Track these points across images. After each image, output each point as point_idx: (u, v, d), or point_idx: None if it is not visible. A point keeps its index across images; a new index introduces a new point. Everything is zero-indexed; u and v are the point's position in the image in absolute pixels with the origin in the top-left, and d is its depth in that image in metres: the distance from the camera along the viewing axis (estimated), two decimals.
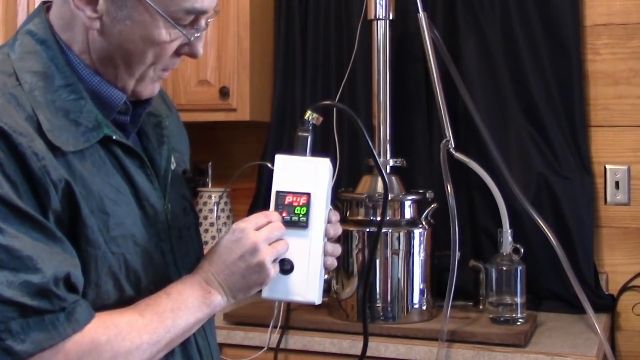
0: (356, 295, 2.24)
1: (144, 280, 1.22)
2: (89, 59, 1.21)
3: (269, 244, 1.23)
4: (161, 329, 1.17)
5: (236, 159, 2.90)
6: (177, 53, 1.23)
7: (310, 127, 1.36)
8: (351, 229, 2.24)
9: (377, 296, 2.22)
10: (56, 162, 1.11)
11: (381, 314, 2.22)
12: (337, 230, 1.35)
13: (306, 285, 1.28)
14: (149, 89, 1.26)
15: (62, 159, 1.12)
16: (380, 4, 2.37)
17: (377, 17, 2.39)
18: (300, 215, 1.28)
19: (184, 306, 1.20)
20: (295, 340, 2.19)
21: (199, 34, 1.22)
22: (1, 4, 2.67)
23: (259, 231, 1.23)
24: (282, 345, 2.18)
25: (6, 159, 1.06)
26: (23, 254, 1.05)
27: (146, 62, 1.20)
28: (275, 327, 2.21)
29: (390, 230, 2.22)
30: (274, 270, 1.24)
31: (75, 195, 1.12)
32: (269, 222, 1.25)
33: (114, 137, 1.20)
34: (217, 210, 2.73)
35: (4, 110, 1.09)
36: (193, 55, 1.25)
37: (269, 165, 1.36)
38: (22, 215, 1.06)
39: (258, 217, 1.25)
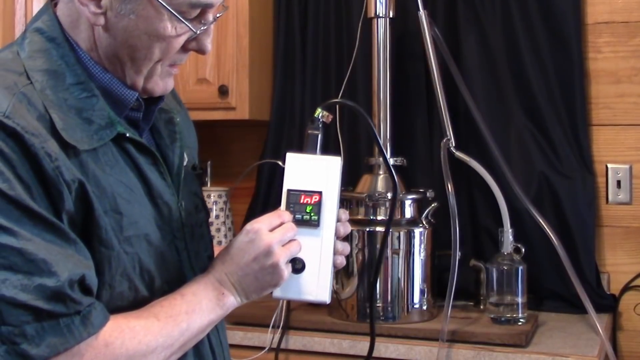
0: (356, 295, 2.23)
1: (158, 280, 1.21)
2: (97, 57, 1.19)
3: (283, 245, 1.23)
4: (176, 332, 1.16)
5: (235, 158, 2.88)
6: (185, 49, 1.22)
7: (321, 125, 1.35)
8: (351, 228, 2.22)
9: (378, 296, 2.21)
10: (69, 162, 1.09)
11: (381, 314, 2.21)
12: (347, 229, 1.35)
13: (317, 284, 1.27)
14: (161, 86, 1.24)
15: (75, 158, 1.10)
16: (380, 1, 2.36)
17: (377, 15, 2.37)
18: (312, 214, 1.27)
19: (198, 308, 1.19)
20: (295, 340, 2.18)
21: (205, 27, 1.20)
22: (0, 3, 2.64)
23: (273, 232, 1.23)
24: (282, 346, 2.17)
25: (19, 160, 1.04)
26: (37, 257, 1.03)
27: (153, 58, 1.19)
28: (275, 327, 2.19)
29: (390, 230, 2.20)
30: (287, 271, 1.24)
31: (89, 196, 1.10)
32: (281, 223, 1.24)
33: (127, 135, 1.19)
34: (215, 210, 2.72)
35: (16, 111, 1.07)
36: (201, 50, 1.23)
37: (280, 163, 1.35)
38: (35, 217, 1.04)
39: (271, 218, 1.24)
